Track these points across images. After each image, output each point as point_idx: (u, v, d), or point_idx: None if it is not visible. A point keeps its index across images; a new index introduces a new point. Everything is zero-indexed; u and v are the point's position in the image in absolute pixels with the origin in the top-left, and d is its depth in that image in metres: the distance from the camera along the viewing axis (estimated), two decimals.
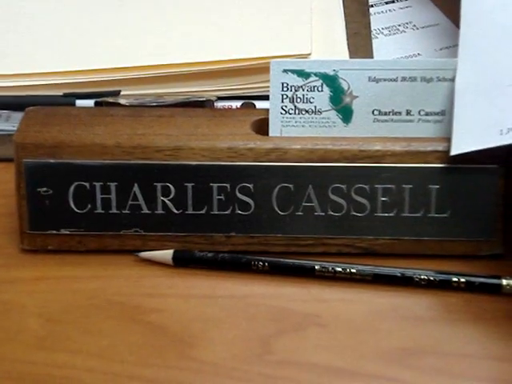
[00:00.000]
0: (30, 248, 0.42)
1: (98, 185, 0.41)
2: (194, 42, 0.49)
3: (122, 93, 0.47)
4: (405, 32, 0.56)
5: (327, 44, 0.50)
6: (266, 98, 0.46)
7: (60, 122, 0.42)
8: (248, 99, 0.47)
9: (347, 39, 0.50)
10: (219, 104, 0.47)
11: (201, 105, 0.46)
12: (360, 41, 0.52)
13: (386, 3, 0.59)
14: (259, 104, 0.47)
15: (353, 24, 0.53)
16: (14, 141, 0.41)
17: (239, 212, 0.41)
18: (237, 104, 0.47)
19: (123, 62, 0.47)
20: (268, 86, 0.42)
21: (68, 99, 0.47)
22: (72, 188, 0.41)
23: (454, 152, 0.40)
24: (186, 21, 0.51)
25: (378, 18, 0.57)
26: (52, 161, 0.41)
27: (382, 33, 0.56)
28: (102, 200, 0.41)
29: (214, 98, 0.47)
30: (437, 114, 0.41)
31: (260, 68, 0.47)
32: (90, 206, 0.41)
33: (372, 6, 0.58)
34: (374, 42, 0.52)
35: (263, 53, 0.47)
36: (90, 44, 0.49)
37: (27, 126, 0.42)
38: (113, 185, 0.41)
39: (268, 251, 0.42)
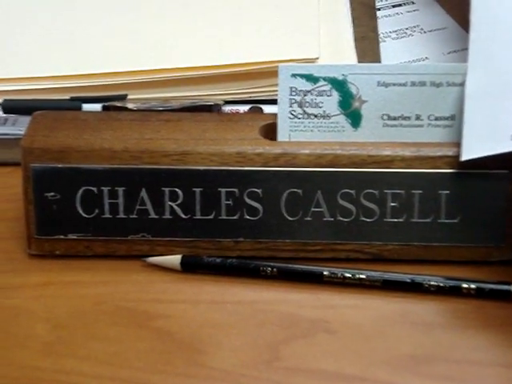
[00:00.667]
0: (37, 253, 0.42)
1: (105, 189, 0.41)
2: (202, 45, 0.49)
3: (128, 97, 0.47)
4: (412, 35, 0.55)
5: (335, 48, 0.50)
6: (273, 102, 0.46)
7: (67, 126, 0.42)
8: (255, 103, 0.47)
9: (355, 43, 0.50)
10: (226, 108, 0.47)
11: (208, 109, 0.46)
12: (367, 44, 0.51)
13: (394, 6, 0.59)
14: (266, 108, 0.47)
15: (360, 27, 0.52)
16: (21, 145, 0.41)
17: (247, 217, 0.41)
18: (244, 108, 0.47)
19: (130, 66, 0.47)
20: (275, 90, 0.42)
21: (75, 103, 0.47)
22: (79, 193, 0.41)
23: (464, 157, 0.39)
24: (193, 25, 0.51)
25: (386, 21, 0.57)
26: (60, 165, 0.41)
27: (390, 36, 0.55)
28: (109, 205, 0.41)
29: (221, 102, 0.47)
30: (446, 118, 0.41)
31: (267, 72, 0.47)
32: (97, 210, 0.41)
33: (379, 9, 0.58)
34: (382, 46, 0.52)
35: (271, 57, 0.47)
36: (97, 48, 0.49)
37: (35, 130, 0.42)
38: (120, 189, 0.41)
39: (276, 257, 0.42)
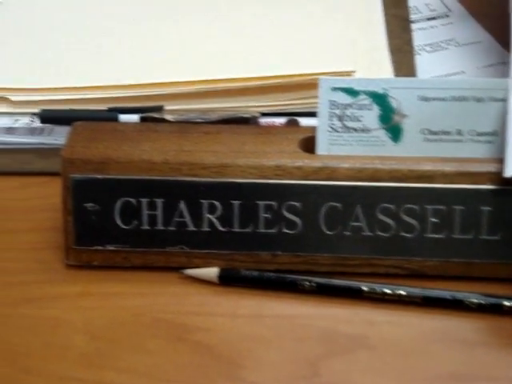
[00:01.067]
0: (75, 263, 0.42)
1: (144, 201, 0.41)
2: (238, 57, 0.49)
3: (165, 108, 0.47)
4: (447, 49, 0.55)
5: (371, 61, 0.50)
6: (308, 114, 0.46)
7: (106, 137, 0.42)
8: (290, 115, 0.47)
9: (390, 56, 0.50)
10: (262, 120, 0.47)
11: (246, 121, 0.46)
12: (403, 57, 0.51)
13: (428, 19, 0.58)
14: (302, 120, 0.47)
15: (395, 40, 0.52)
16: (61, 156, 0.41)
17: (286, 231, 0.41)
18: (279, 120, 0.47)
19: (167, 77, 0.47)
20: (311, 103, 0.42)
21: (111, 114, 0.47)
22: (118, 204, 0.41)
23: (508, 174, 0.39)
24: (230, 36, 0.51)
25: (420, 34, 0.56)
26: (99, 176, 0.41)
27: (425, 49, 0.55)
28: (148, 216, 0.41)
29: (257, 115, 0.47)
30: (488, 134, 0.41)
31: (304, 84, 0.46)
32: (136, 222, 0.41)
33: (413, 22, 0.57)
34: (417, 59, 0.52)
35: (307, 69, 0.47)
36: (134, 59, 0.49)
37: (75, 141, 0.42)
38: (159, 201, 0.41)
39: (314, 271, 0.41)
